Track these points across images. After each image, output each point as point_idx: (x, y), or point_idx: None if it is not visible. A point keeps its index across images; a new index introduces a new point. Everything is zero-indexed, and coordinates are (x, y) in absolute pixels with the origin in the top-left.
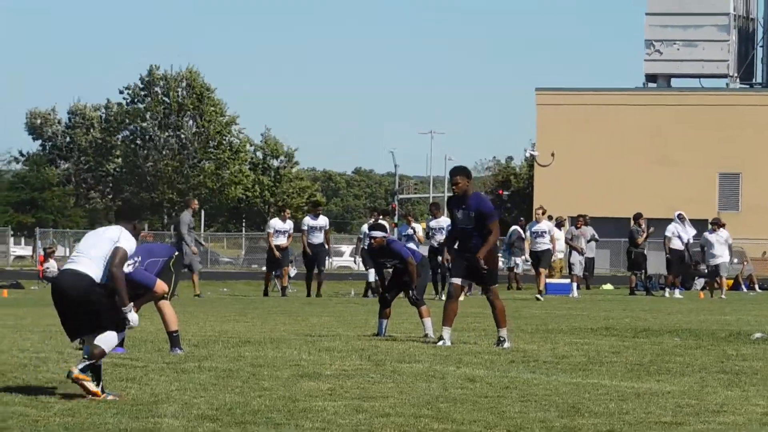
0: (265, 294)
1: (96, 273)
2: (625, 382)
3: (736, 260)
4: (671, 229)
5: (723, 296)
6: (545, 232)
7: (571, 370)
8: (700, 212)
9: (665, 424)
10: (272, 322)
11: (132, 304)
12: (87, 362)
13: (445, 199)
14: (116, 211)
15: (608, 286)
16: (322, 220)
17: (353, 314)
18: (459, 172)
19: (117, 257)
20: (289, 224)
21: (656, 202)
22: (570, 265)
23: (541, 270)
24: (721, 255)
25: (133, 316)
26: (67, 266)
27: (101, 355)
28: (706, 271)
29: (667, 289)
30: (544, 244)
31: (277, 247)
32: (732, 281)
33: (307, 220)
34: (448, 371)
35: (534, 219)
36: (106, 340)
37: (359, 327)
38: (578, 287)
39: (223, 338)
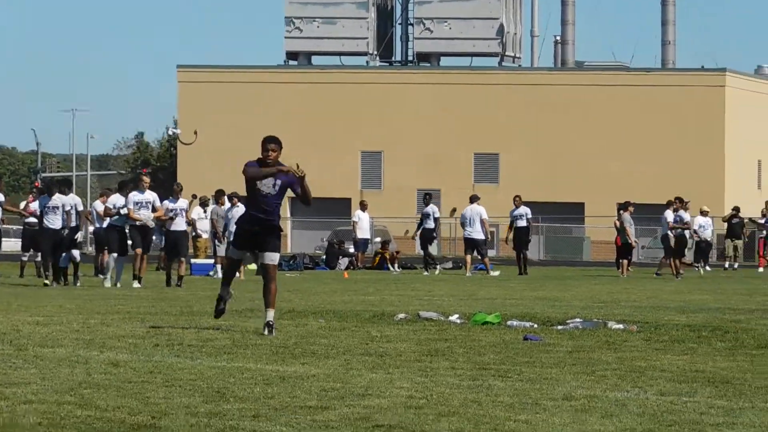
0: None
1: None
2: (270, 366)
3: (378, 239)
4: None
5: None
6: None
7: (216, 353)
8: (345, 192)
9: (311, 408)
10: None
11: None
12: None
13: (88, 175)
14: None
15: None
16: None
17: None
18: (273, 140)
19: None
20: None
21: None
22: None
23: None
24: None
25: None
26: None
27: None
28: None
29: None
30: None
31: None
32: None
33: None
34: (91, 356)
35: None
36: None
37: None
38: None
39: None
